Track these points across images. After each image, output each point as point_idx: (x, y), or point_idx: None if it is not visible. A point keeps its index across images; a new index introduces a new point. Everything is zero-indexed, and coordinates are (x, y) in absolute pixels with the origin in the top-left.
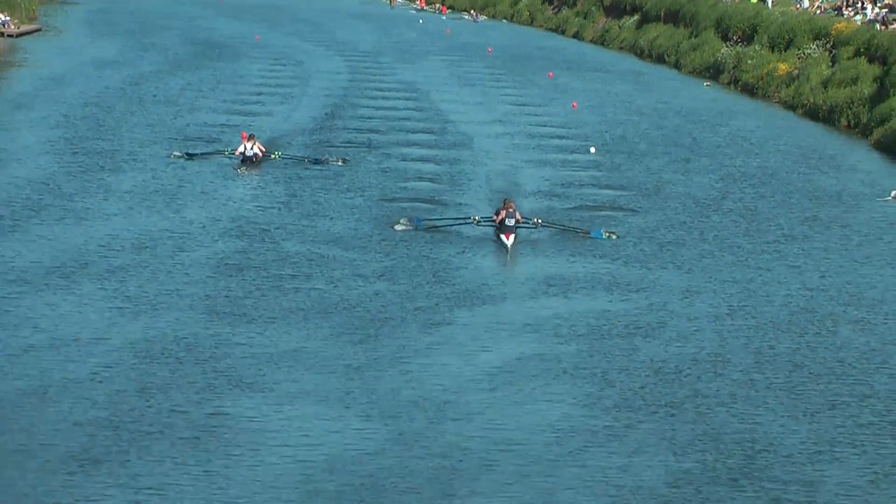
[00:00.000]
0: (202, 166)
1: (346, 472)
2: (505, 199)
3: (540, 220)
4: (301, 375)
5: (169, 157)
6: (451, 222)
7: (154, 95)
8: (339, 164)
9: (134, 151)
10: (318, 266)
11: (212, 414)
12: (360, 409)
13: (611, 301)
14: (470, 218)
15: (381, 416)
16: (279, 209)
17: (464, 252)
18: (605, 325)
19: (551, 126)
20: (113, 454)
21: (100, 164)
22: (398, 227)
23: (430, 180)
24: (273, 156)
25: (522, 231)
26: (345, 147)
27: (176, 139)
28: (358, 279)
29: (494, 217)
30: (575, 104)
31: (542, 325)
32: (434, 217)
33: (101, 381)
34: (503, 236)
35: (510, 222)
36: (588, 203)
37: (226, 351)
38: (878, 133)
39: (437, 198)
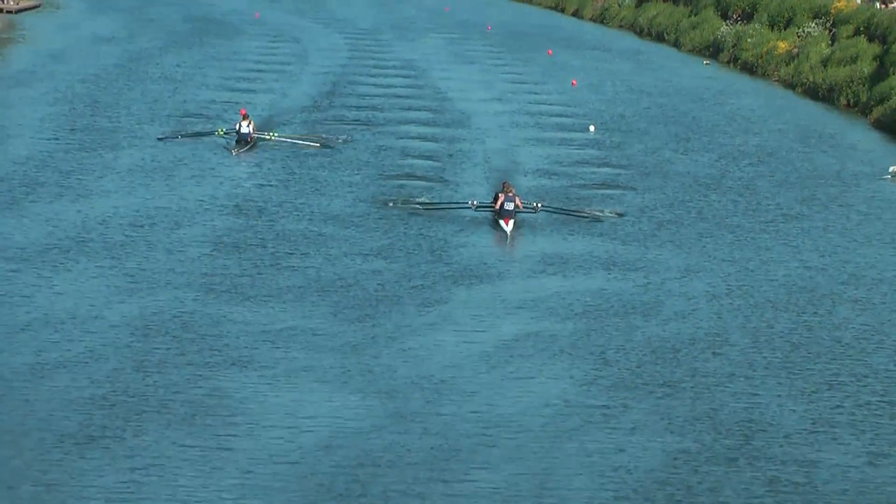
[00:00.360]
0: (196, 146)
1: (344, 449)
2: (504, 183)
3: (540, 205)
4: (298, 353)
5: (160, 139)
6: (448, 206)
7: (152, 72)
8: (339, 142)
9: (132, 129)
10: (314, 245)
11: (209, 391)
12: (357, 386)
13: (609, 280)
14: (468, 202)
15: (379, 393)
16: (275, 188)
17: (462, 234)
18: (604, 304)
19: (550, 104)
20: (110, 431)
21: (97, 141)
22: (391, 205)
23: (429, 159)
24: (268, 136)
25: (522, 216)
26: (343, 125)
27: (173, 116)
28: (354, 259)
29: (493, 204)
30: (574, 82)
31: (540, 305)
32: (432, 202)
33: (97, 359)
34: (502, 222)
35: (509, 206)
36: (587, 182)
37: (223, 328)
38: (877, 112)
39: (435, 177)
